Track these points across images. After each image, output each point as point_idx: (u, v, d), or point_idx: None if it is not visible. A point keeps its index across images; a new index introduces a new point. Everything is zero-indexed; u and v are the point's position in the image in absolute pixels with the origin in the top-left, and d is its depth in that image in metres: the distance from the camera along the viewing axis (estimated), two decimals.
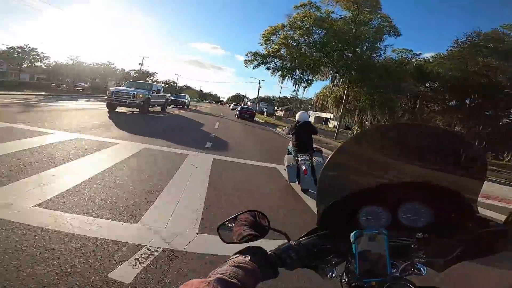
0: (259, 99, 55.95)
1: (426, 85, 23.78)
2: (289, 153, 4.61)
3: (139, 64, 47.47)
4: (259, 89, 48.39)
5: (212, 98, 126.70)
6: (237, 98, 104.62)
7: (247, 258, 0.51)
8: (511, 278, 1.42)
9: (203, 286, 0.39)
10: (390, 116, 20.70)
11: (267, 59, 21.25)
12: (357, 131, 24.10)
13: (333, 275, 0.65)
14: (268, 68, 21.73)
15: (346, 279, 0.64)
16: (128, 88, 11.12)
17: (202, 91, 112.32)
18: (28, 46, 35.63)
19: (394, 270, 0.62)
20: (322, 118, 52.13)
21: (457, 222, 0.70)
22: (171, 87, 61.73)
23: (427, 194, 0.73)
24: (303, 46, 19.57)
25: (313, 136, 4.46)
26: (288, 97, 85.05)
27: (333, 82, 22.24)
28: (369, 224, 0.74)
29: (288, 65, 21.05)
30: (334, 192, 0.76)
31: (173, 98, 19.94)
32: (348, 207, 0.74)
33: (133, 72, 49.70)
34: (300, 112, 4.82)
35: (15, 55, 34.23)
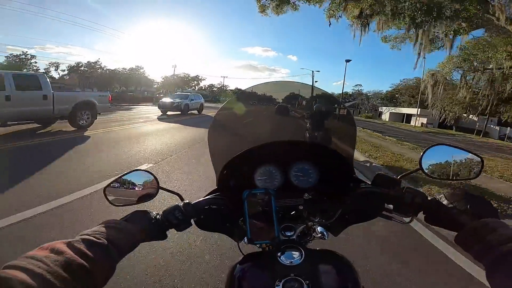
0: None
1: None
2: None
3: (172, 66, 57.40)
4: (313, 81, 39.62)
5: None
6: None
7: (123, 221, 0.53)
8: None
9: (62, 246, 0.38)
10: None
11: None
12: None
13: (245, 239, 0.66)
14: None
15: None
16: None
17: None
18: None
19: (291, 233, 0.63)
20: (401, 114, 44.23)
21: (338, 182, 0.75)
22: (221, 90, 66.06)
23: (312, 154, 0.79)
24: None
25: None
26: (350, 93, 76.99)
27: None
28: (264, 185, 0.78)
29: None
30: (225, 153, 0.80)
31: (163, 101, 16.24)
32: (242, 167, 0.78)
33: (173, 77, 54.12)
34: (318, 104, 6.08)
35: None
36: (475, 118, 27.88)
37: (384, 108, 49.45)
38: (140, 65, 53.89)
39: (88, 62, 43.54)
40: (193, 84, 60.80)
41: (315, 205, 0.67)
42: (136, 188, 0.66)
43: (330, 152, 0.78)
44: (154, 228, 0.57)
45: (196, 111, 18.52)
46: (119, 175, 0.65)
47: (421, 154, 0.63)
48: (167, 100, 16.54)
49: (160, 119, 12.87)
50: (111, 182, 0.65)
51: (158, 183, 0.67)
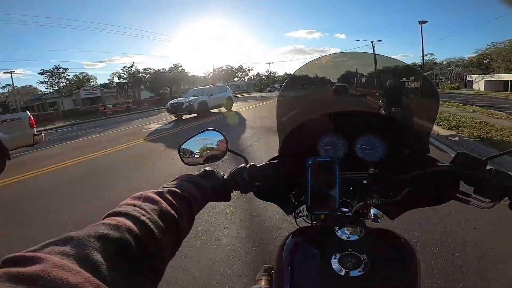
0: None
1: None
2: None
3: (213, 66, 52.66)
4: (374, 53, 32.97)
5: None
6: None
7: (199, 177, 0.56)
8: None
9: (155, 196, 0.40)
10: None
11: None
12: None
13: (297, 211, 0.68)
14: None
15: (300, 213, 0.67)
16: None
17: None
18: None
19: (347, 209, 0.62)
20: (502, 82, 35.42)
21: (408, 159, 0.72)
22: (269, 78, 65.06)
23: (382, 127, 0.76)
24: None
25: None
26: (418, 63, 66.92)
27: None
28: (328, 154, 0.76)
29: None
30: (291, 120, 0.81)
31: (172, 102, 12.54)
32: (307, 135, 0.78)
33: (215, 72, 52.62)
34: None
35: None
36: None
37: (475, 76, 40.41)
38: (178, 62, 49.36)
39: (124, 67, 41.18)
40: (240, 75, 60.71)
41: (381, 181, 0.64)
42: (206, 147, 0.68)
43: (402, 127, 0.74)
44: (221, 188, 0.59)
45: (222, 108, 14.20)
46: (193, 135, 0.68)
47: None
48: (177, 100, 12.70)
49: (155, 134, 8.68)
50: (184, 142, 0.68)
51: (227, 144, 0.69)
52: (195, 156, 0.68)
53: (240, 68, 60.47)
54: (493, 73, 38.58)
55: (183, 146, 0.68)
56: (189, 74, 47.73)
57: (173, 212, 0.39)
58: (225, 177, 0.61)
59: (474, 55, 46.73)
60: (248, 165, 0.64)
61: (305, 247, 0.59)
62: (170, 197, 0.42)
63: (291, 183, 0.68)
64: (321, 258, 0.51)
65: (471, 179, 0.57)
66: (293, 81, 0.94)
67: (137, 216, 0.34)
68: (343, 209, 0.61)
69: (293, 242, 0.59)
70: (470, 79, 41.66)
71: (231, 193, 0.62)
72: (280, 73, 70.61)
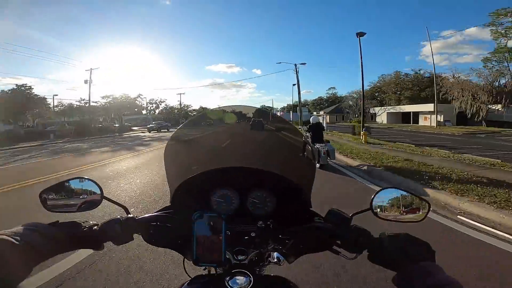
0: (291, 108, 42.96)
1: None
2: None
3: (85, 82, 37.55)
4: (297, 76, 31.44)
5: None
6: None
7: (50, 226, 0.54)
8: None
9: None
10: None
11: None
12: None
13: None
14: None
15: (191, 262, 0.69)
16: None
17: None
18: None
19: (243, 257, 0.66)
20: (403, 114, 40.68)
21: (294, 213, 0.78)
22: (181, 112, 62.09)
23: (270, 183, 0.81)
24: None
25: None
26: (325, 98, 75.72)
27: None
28: (220, 207, 0.79)
29: None
30: (182, 172, 0.82)
31: None
32: (199, 188, 0.80)
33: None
34: (313, 116, 8.57)
35: None
36: (500, 109, 25.36)
37: (377, 109, 45.23)
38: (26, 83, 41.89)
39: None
40: (151, 108, 55.43)
41: (268, 234, 0.70)
42: (78, 195, 0.67)
43: (288, 183, 0.81)
44: (88, 238, 0.59)
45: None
46: (60, 181, 0.67)
47: (372, 195, 0.69)
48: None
49: None
50: (50, 187, 0.66)
51: (102, 192, 0.69)
52: (63, 203, 0.66)
53: (151, 101, 55.97)
54: (387, 105, 44.69)
55: (49, 191, 0.65)
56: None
57: None
58: (95, 227, 0.61)
59: (368, 87, 53.01)
60: (125, 217, 0.64)
61: None
62: None
63: (183, 234, 0.68)
64: None
65: (336, 234, 0.66)
66: (198, 119, 0.99)
67: None
68: (239, 257, 0.65)
69: None
70: (374, 111, 44.98)
71: (105, 242, 0.62)
72: (195, 106, 68.47)
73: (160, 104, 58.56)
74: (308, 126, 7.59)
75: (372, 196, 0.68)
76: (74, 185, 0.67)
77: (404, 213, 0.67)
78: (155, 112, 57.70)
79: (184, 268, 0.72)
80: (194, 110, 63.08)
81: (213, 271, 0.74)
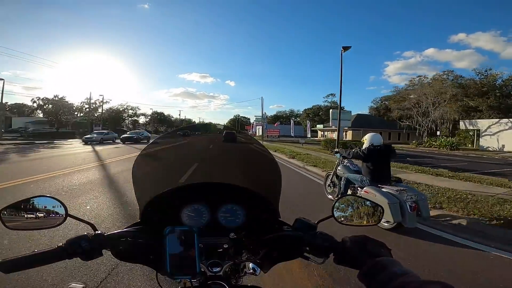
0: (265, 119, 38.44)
1: None
2: (345, 181, 4.49)
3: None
4: (262, 106, 33.82)
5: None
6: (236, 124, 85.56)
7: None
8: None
9: None
10: None
11: None
12: None
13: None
14: None
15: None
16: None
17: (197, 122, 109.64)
18: None
19: (218, 269, 0.67)
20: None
21: (264, 224, 0.81)
22: (168, 122, 59.41)
23: (240, 196, 0.84)
24: None
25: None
26: (323, 106, 63.75)
27: None
28: (191, 221, 0.81)
29: None
30: (151, 187, 0.83)
31: None
32: (168, 203, 0.81)
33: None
34: (373, 134, 4.44)
35: None
36: None
37: (485, 122, 29.26)
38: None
39: None
40: (86, 109, 44.80)
41: (241, 244, 0.73)
42: (40, 214, 0.66)
43: (256, 195, 0.84)
44: (52, 255, 0.59)
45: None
46: (21, 199, 0.65)
47: (333, 203, 0.76)
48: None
49: None
50: (10, 205, 0.65)
51: (66, 210, 0.68)
52: (24, 221, 0.65)
53: (87, 100, 43.44)
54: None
55: (8, 210, 0.65)
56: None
57: None
58: (61, 244, 0.60)
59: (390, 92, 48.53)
60: (93, 233, 0.65)
61: None
62: None
63: (154, 249, 0.69)
64: None
65: (304, 241, 0.70)
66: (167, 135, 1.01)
67: None
68: (214, 269, 0.66)
69: None
70: (472, 125, 30.56)
71: (73, 258, 0.61)
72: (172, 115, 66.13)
73: (103, 105, 46.02)
74: (362, 151, 4.15)
75: (333, 204, 0.76)
76: (37, 202, 0.66)
77: (362, 218, 0.76)
78: (94, 114, 46.72)
79: (158, 282, 0.71)
80: (143, 114, 58.77)
81: (188, 284, 0.73)
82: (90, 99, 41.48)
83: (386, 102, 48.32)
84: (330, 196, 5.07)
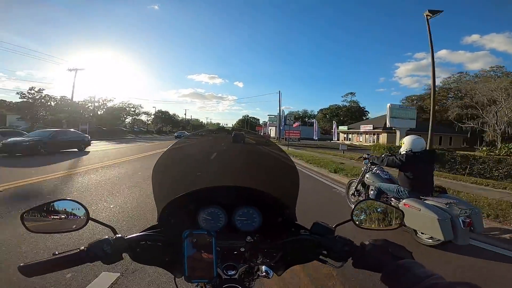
0: (282, 118, 36.28)
1: None
2: (376, 190, 3.91)
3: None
4: (280, 100, 34.59)
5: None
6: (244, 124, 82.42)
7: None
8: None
9: None
10: None
11: None
12: None
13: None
14: None
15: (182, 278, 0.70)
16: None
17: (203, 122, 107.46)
18: None
19: (234, 272, 0.68)
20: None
21: (280, 227, 0.81)
22: (174, 121, 59.66)
23: (258, 200, 0.83)
24: None
25: None
26: (342, 106, 60.39)
27: None
28: (207, 225, 0.81)
29: None
30: (170, 191, 0.83)
31: None
32: (186, 207, 0.82)
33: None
34: (414, 136, 3.74)
35: None
36: None
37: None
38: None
39: None
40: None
41: (257, 248, 0.73)
42: (62, 217, 0.67)
43: (273, 199, 0.83)
44: (74, 258, 0.61)
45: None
46: (43, 203, 0.67)
47: (353, 207, 0.76)
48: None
49: None
50: (32, 208, 0.66)
51: (88, 213, 0.69)
52: (46, 224, 0.67)
53: (91, 99, 39.41)
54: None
55: (31, 213, 0.66)
56: None
57: None
58: (83, 247, 0.62)
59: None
60: (114, 237, 0.66)
61: None
62: None
63: (171, 252, 0.70)
64: None
65: (322, 245, 0.71)
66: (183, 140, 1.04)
67: None
68: (229, 272, 0.67)
69: None
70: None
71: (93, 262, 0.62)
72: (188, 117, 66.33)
73: (107, 104, 42.31)
74: (399, 158, 3.55)
75: (353, 208, 0.76)
76: (58, 206, 0.68)
77: (382, 222, 0.75)
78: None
79: (176, 285, 0.72)
80: (145, 112, 55.87)
81: (204, 287, 0.75)
82: (93, 97, 38.81)
83: (420, 103, 43.13)
84: (353, 206, 4.53)
